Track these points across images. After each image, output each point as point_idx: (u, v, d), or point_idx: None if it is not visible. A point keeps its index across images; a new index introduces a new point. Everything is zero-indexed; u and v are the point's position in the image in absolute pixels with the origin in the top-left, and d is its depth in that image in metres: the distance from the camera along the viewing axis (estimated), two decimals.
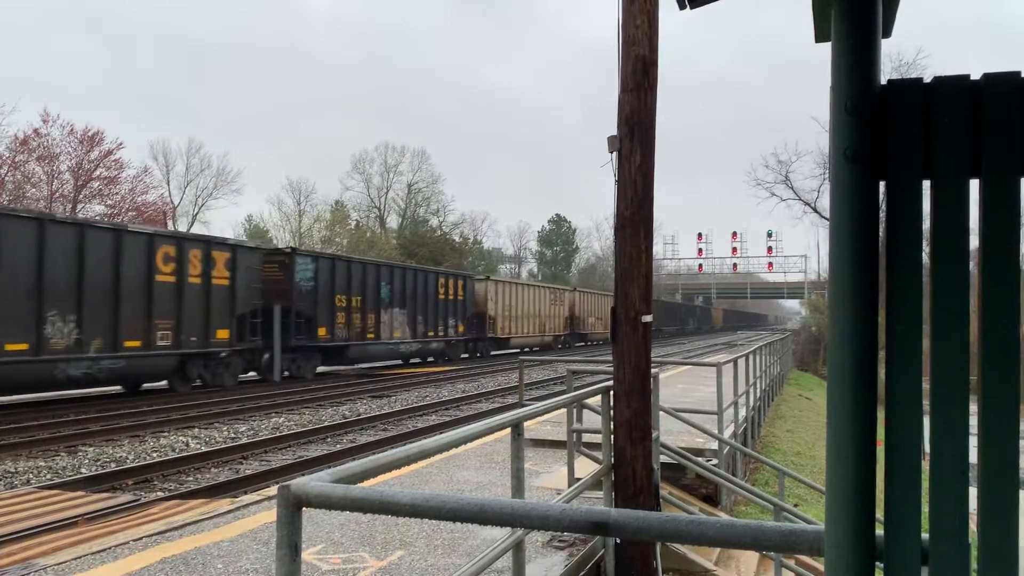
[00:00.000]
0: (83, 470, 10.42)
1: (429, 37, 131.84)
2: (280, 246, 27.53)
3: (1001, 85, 1.36)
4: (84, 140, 38.99)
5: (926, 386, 1.37)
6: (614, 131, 5.45)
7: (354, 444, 12.76)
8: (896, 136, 1.40)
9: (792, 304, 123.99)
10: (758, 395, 14.82)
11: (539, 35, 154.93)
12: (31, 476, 10.11)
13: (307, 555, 4.80)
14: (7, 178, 36.63)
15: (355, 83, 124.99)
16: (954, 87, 1.39)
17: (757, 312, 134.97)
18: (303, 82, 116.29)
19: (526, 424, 4.02)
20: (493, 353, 37.07)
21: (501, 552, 3.66)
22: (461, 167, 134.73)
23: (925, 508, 1.38)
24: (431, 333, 31.09)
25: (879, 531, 1.38)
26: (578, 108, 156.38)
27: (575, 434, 6.47)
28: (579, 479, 5.88)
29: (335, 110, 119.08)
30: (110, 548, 4.94)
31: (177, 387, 19.40)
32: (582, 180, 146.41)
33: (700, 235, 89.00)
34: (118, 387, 19.14)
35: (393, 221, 70.35)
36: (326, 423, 14.79)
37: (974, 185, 1.38)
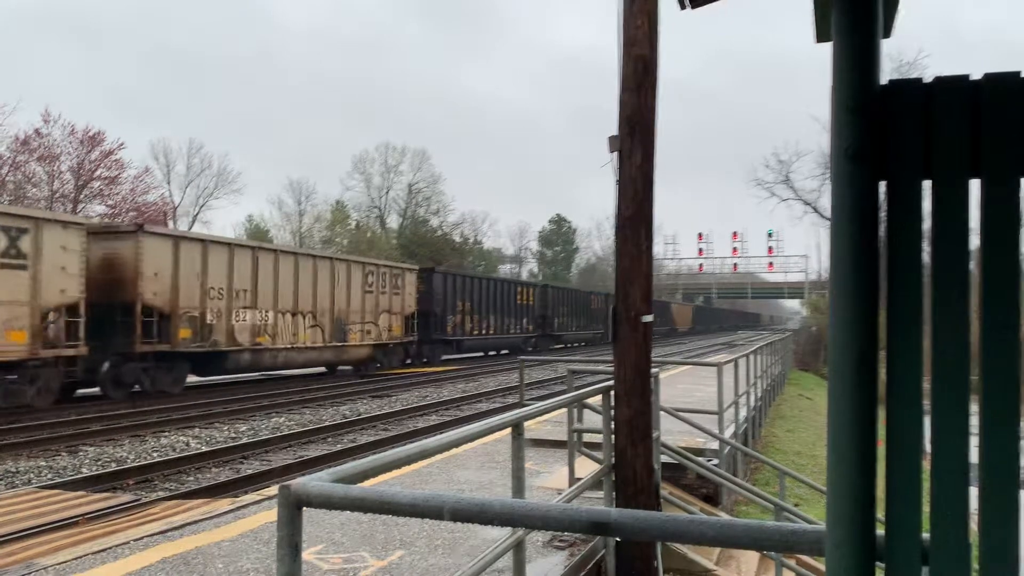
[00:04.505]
0: (84, 470, 10.42)
1: (402, 46, 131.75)
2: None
3: (1001, 85, 1.36)
4: (85, 140, 38.99)
5: (926, 386, 1.37)
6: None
7: (354, 444, 12.76)
8: (896, 136, 1.40)
9: (792, 304, 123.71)
10: (759, 395, 14.81)
11: (512, 43, 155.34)
12: (32, 476, 10.11)
13: (308, 555, 4.80)
14: (8, 178, 36.64)
15: (344, 90, 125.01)
16: (954, 87, 1.39)
17: (748, 311, 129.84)
18: (294, 87, 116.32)
19: (526, 424, 4.02)
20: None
21: (502, 552, 3.66)
22: (457, 169, 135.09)
23: (925, 508, 1.38)
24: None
25: (879, 531, 1.38)
26: (562, 111, 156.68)
27: (575, 434, 6.47)
28: (579, 479, 5.88)
29: (328, 115, 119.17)
30: (111, 548, 4.94)
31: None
32: (578, 181, 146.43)
33: (700, 235, 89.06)
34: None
35: (393, 221, 70.30)
36: (326, 423, 14.79)
37: (974, 185, 1.38)
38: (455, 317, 32.90)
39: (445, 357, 33.42)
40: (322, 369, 26.52)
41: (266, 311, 21.65)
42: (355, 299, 25.72)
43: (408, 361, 30.10)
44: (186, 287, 18.84)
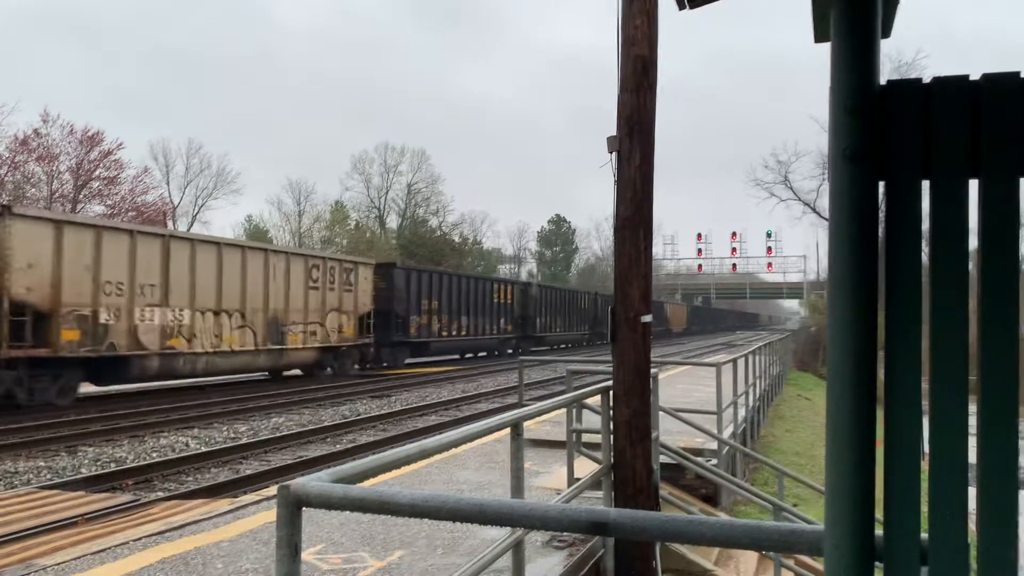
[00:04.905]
0: (83, 470, 10.41)
1: (401, 47, 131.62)
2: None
3: (1000, 85, 1.36)
4: (84, 140, 38.99)
5: (926, 386, 1.37)
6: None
7: (354, 444, 12.76)
8: (895, 136, 1.40)
9: (791, 304, 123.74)
10: (758, 395, 14.82)
11: (511, 43, 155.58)
12: (31, 476, 10.10)
13: (307, 555, 4.80)
14: (7, 178, 36.62)
15: (344, 90, 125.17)
16: (953, 87, 1.39)
17: (747, 312, 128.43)
18: (294, 87, 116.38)
19: (526, 424, 4.02)
20: None
21: (501, 552, 3.66)
22: (457, 169, 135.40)
23: (925, 508, 1.38)
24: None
25: (879, 531, 1.38)
26: (561, 111, 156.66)
27: (575, 434, 6.47)
28: (579, 479, 5.88)
29: (328, 115, 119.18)
30: (110, 548, 4.94)
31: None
32: (578, 181, 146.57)
33: (700, 235, 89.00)
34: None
35: (393, 221, 70.32)
36: (326, 423, 14.79)
37: (974, 185, 1.38)
38: (420, 317, 30.01)
39: (410, 361, 30.67)
40: (265, 375, 23.79)
41: (180, 310, 18.75)
42: (296, 296, 22.72)
43: (368, 365, 27.58)
44: (72, 281, 15.97)
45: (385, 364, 28.69)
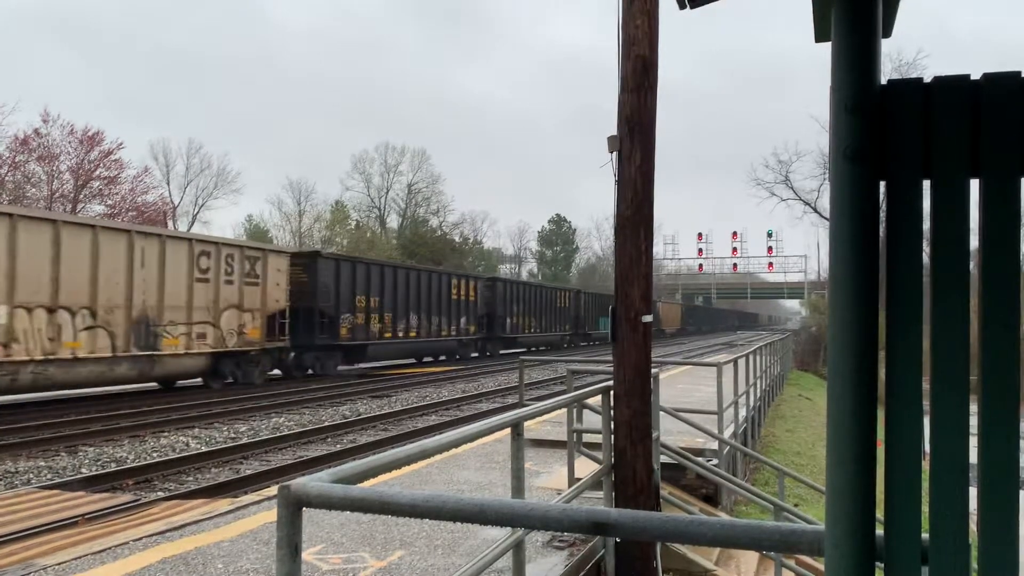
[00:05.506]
0: (83, 470, 10.42)
1: (401, 47, 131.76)
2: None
3: (1001, 85, 1.36)
4: (84, 140, 39.00)
5: (926, 386, 1.37)
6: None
7: (354, 444, 12.76)
8: (896, 136, 1.40)
9: (791, 304, 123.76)
10: (758, 395, 14.81)
11: (511, 43, 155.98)
12: (31, 476, 10.11)
13: (307, 555, 4.80)
14: (7, 178, 36.64)
15: (343, 90, 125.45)
16: (954, 87, 1.39)
17: (747, 311, 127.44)
18: (294, 87, 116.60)
19: (526, 424, 4.02)
20: None
21: (501, 552, 3.66)
22: (457, 169, 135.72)
23: (925, 508, 1.38)
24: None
25: (879, 531, 1.38)
26: (561, 111, 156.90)
27: (575, 434, 6.47)
28: (579, 479, 5.88)
29: (328, 115, 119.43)
30: (110, 548, 4.94)
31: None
32: (578, 181, 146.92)
33: (700, 235, 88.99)
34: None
35: (393, 221, 70.38)
36: (326, 423, 14.79)
37: (974, 185, 1.38)
38: (355, 316, 25.57)
39: (343, 368, 26.31)
40: (154, 385, 19.82)
41: None
42: (176, 290, 18.36)
43: (271, 373, 23.02)
44: None
45: (310, 371, 24.45)
